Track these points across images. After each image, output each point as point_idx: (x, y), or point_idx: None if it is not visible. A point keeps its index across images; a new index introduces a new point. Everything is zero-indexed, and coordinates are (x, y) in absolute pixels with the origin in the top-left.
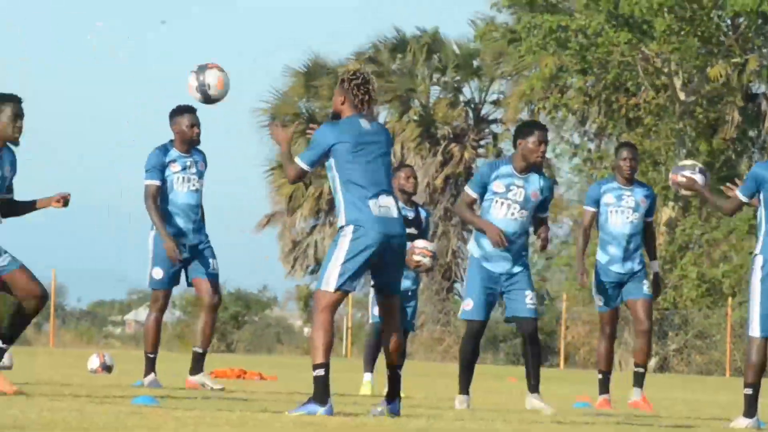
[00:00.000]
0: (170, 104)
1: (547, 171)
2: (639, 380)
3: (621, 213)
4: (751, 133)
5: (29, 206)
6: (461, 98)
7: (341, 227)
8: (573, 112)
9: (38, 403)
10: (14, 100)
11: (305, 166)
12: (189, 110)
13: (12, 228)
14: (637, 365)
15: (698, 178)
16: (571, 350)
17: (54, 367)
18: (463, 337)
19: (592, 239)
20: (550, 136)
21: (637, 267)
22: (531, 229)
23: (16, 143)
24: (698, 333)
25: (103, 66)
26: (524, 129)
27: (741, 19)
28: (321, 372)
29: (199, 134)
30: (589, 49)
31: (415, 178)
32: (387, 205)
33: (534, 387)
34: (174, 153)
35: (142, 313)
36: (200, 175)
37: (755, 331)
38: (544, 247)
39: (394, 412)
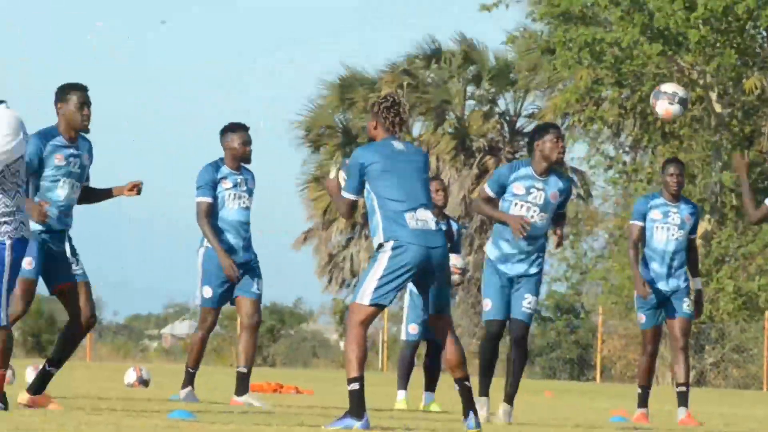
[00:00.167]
0: (171, 105)
1: (581, 182)
2: (683, 400)
3: (666, 230)
4: None
5: (105, 194)
6: (496, 110)
7: (380, 244)
8: (608, 125)
9: (75, 417)
10: (80, 89)
11: (351, 196)
12: (242, 128)
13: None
14: (678, 385)
15: (676, 109)
16: (607, 364)
17: (91, 381)
18: (482, 338)
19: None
20: (585, 148)
21: (682, 284)
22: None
23: (86, 131)
24: (735, 347)
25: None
26: (539, 130)
27: None
28: (356, 386)
29: (250, 152)
30: (624, 61)
31: (445, 190)
32: (425, 218)
33: (509, 396)
34: (225, 170)
35: (178, 327)
36: (250, 192)
37: None
38: (559, 244)
39: (472, 428)
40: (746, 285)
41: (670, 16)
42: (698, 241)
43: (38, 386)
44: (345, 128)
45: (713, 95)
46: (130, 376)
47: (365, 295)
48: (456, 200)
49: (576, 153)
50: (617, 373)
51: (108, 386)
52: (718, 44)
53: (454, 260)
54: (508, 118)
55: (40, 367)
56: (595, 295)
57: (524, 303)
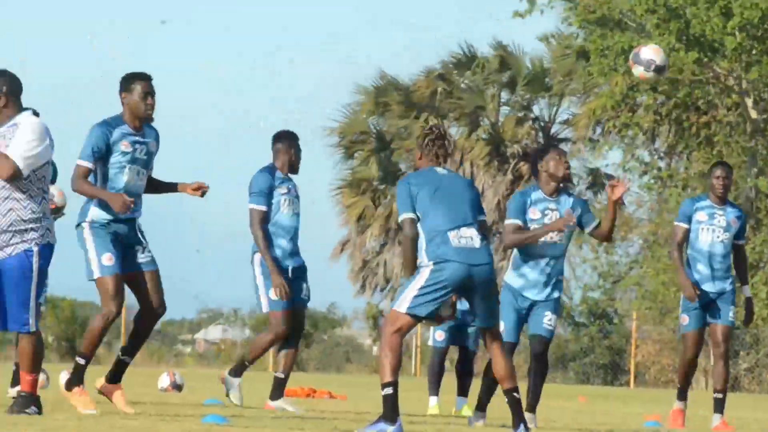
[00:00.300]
0: (173, 105)
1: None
2: (719, 406)
3: (712, 231)
4: None
5: (169, 187)
6: (530, 116)
7: (425, 264)
8: (644, 131)
9: (110, 422)
10: (143, 78)
11: (409, 214)
12: (295, 137)
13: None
14: (716, 391)
15: (650, 75)
16: (641, 369)
17: (125, 386)
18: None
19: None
20: (620, 154)
21: (728, 287)
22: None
23: (149, 120)
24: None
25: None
26: (540, 152)
27: None
28: (389, 390)
29: (300, 160)
30: None
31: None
32: (469, 235)
33: (531, 406)
34: (280, 176)
35: (211, 332)
36: (298, 198)
37: None
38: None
39: None
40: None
41: (705, 22)
42: None
43: (114, 375)
44: (379, 134)
45: (749, 101)
46: (164, 380)
47: (403, 303)
48: (490, 206)
49: (611, 159)
50: (651, 378)
51: (142, 391)
52: (754, 51)
53: None
54: (542, 123)
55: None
56: (629, 301)
57: (545, 320)
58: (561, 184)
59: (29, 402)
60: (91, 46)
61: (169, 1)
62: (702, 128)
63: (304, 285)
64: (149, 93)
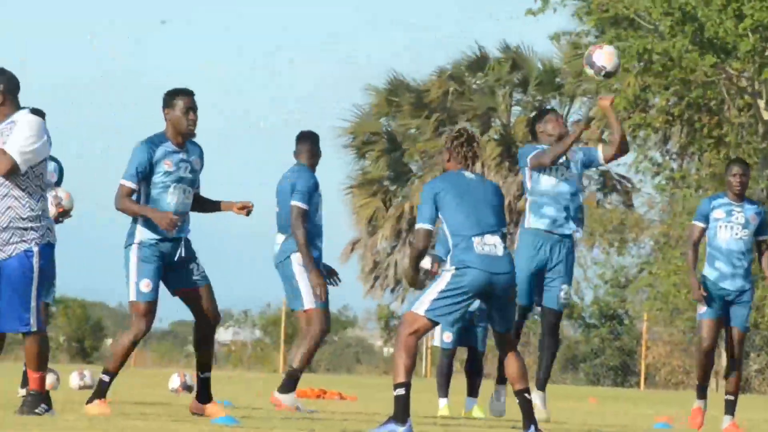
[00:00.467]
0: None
1: (624, 190)
2: (730, 408)
3: (730, 229)
4: None
5: (213, 206)
6: None
7: (446, 268)
8: (655, 130)
9: (119, 423)
10: (186, 94)
11: (426, 225)
12: (315, 139)
13: (94, 248)
14: (727, 393)
15: (599, 78)
16: (651, 370)
17: (135, 387)
18: None
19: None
20: (632, 155)
21: (747, 285)
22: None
23: (191, 135)
24: None
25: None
26: (538, 115)
27: None
28: (402, 391)
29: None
30: (672, 69)
31: None
32: (492, 243)
33: (542, 382)
34: (314, 175)
35: (222, 334)
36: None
37: None
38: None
39: None
40: None
41: (719, 25)
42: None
43: (204, 394)
44: (390, 134)
45: (761, 103)
46: (174, 381)
47: (422, 306)
48: None
49: (622, 160)
50: (661, 380)
51: (152, 392)
52: (767, 53)
53: None
54: None
55: (196, 375)
56: (639, 302)
57: (561, 294)
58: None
59: (38, 401)
60: (91, 46)
61: (169, 1)
62: (714, 128)
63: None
64: (191, 108)
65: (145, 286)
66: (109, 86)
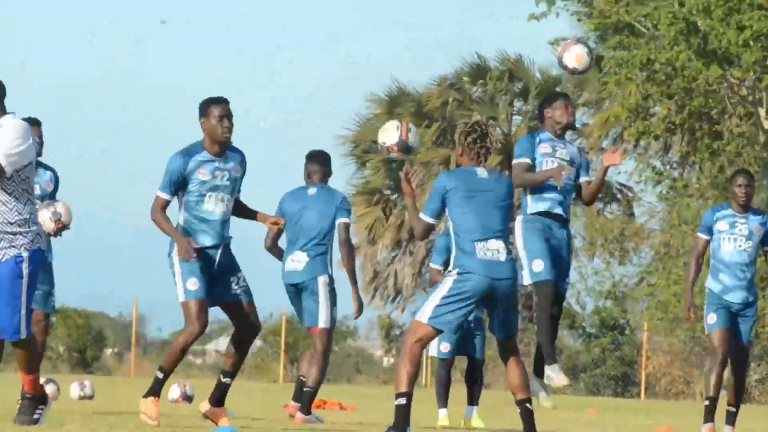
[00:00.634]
0: (173, 106)
1: (624, 198)
2: (731, 419)
3: (734, 240)
4: None
5: (251, 214)
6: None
7: (449, 271)
8: (657, 137)
9: None
10: (220, 102)
11: (429, 219)
12: (329, 160)
13: (95, 258)
14: (729, 404)
15: (568, 76)
16: (651, 381)
17: (135, 397)
18: (539, 304)
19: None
20: (633, 164)
21: (751, 297)
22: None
23: (227, 142)
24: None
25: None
26: (547, 100)
27: None
28: (403, 401)
29: None
30: (674, 78)
31: None
32: (495, 248)
33: (553, 356)
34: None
35: (222, 343)
36: None
37: None
38: (592, 195)
39: None
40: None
41: (722, 34)
42: None
43: (218, 398)
44: None
45: (762, 111)
46: (174, 391)
47: (425, 314)
48: None
49: (623, 168)
50: (661, 390)
51: None
52: (767, 62)
53: None
54: None
55: (221, 379)
56: (640, 312)
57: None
58: (565, 131)
59: (35, 404)
60: (91, 46)
61: (169, 1)
62: (714, 138)
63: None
64: (225, 116)
65: (193, 284)
66: (109, 86)
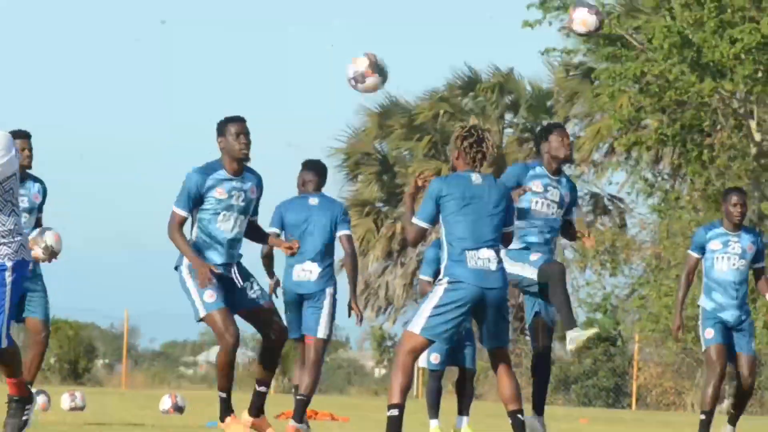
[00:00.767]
0: (173, 107)
1: (618, 211)
2: (733, 420)
3: (727, 260)
4: None
5: (262, 238)
6: (533, 138)
7: (439, 279)
8: (648, 148)
9: None
10: (237, 120)
11: (422, 223)
12: (325, 171)
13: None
14: (734, 407)
15: (580, 13)
16: (642, 392)
17: (126, 408)
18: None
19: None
20: (625, 176)
21: (744, 316)
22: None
23: (246, 159)
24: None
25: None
26: (544, 131)
27: None
28: (395, 412)
29: None
30: (667, 91)
31: None
32: (486, 257)
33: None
34: None
35: (213, 354)
36: None
37: None
38: (586, 236)
39: None
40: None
41: (715, 47)
42: None
43: (257, 408)
44: (382, 155)
45: (753, 123)
46: (166, 402)
47: (417, 324)
48: None
49: (615, 178)
50: (653, 401)
51: (143, 413)
52: (759, 74)
53: None
54: None
55: (256, 389)
56: (631, 323)
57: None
58: (562, 165)
59: (22, 405)
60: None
61: (169, 1)
62: (705, 149)
63: None
64: (243, 133)
65: (210, 296)
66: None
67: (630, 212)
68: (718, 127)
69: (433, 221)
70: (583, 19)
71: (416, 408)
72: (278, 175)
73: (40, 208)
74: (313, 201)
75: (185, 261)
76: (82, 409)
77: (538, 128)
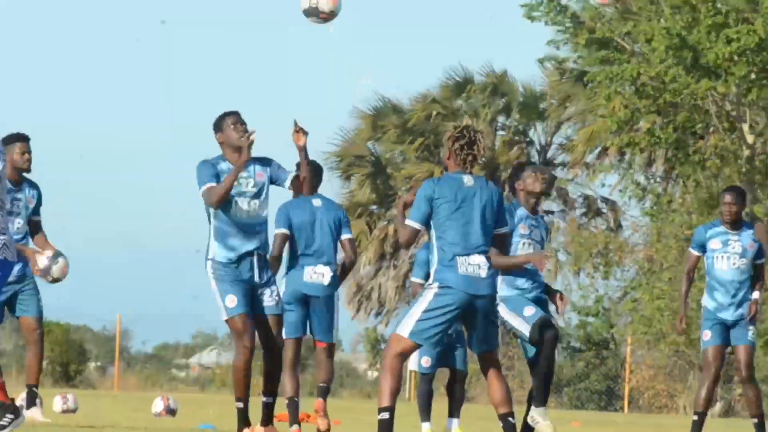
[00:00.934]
0: (172, 107)
1: (612, 213)
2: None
3: (727, 258)
4: None
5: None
6: (526, 141)
7: (429, 284)
8: (641, 150)
9: None
10: (232, 113)
11: (415, 225)
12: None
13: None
14: (752, 416)
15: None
16: (635, 395)
17: (119, 411)
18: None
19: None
20: (617, 178)
21: (744, 312)
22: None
23: (246, 146)
24: (764, 377)
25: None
26: (515, 171)
27: None
28: (386, 415)
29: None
30: (663, 93)
31: None
32: (477, 263)
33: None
34: None
35: (206, 356)
36: None
37: None
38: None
39: None
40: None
41: (710, 49)
42: None
43: (267, 417)
44: (375, 157)
45: (745, 126)
46: (158, 405)
47: (406, 327)
48: None
49: (608, 180)
50: (645, 404)
51: (135, 416)
52: (753, 76)
53: None
54: (538, 148)
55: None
56: (624, 325)
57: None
58: (539, 201)
59: (3, 411)
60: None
61: (169, 1)
62: (697, 152)
63: None
64: (239, 122)
65: (231, 301)
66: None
67: (623, 215)
68: (711, 129)
69: (426, 222)
70: None
71: (408, 411)
72: None
73: (34, 211)
74: (317, 202)
75: (210, 255)
76: (74, 411)
77: (510, 170)
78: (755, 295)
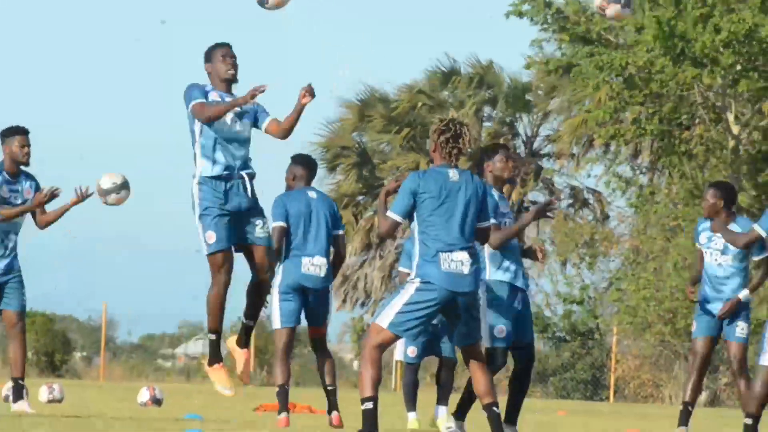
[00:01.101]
0: (172, 107)
1: (598, 204)
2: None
3: (710, 254)
4: None
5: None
6: (512, 132)
7: (412, 278)
8: (626, 142)
9: None
10: (223, 45)
11: (397, 217)
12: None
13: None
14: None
15: (627, 13)
16: (620, 384)
17: (104, 401)
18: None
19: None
20: (602, 169)
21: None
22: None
23: (233, 80)
24: (750, 367)
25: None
26: (487, 152)
27: None
28: (369, 405)
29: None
30: (650, 83)
31: None
32: (460, 260)
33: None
34: None
35: (192, 347)
36: None
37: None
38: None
39: None
40: (757, 309)
41: (696, 40)
42: None
43: (245, 339)
44: (361, 148)
45: (731, 117)
46: (144, 395)
47: (385, 319)
48: None
49: (593, 172)
50: (630, 393)
51: (121, 406)
52: (739, 66)
53: None
54: (524, 139)
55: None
56: (609, 316)
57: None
58: (504, 185)
59: None
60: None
61: (169, 1)
62: (683, 143)
63: None
64: (229, 55)
65: (210, 238)
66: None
67: (609, 205)
68: (697, 120)
69: (408, 215)
70: (618, 12)
71: (394, 401)
72: (272, 171)
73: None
74: (312, 194)
75: (196, 172)
76: (60, 401)
77: (481, 148)
78: (742, 293)
